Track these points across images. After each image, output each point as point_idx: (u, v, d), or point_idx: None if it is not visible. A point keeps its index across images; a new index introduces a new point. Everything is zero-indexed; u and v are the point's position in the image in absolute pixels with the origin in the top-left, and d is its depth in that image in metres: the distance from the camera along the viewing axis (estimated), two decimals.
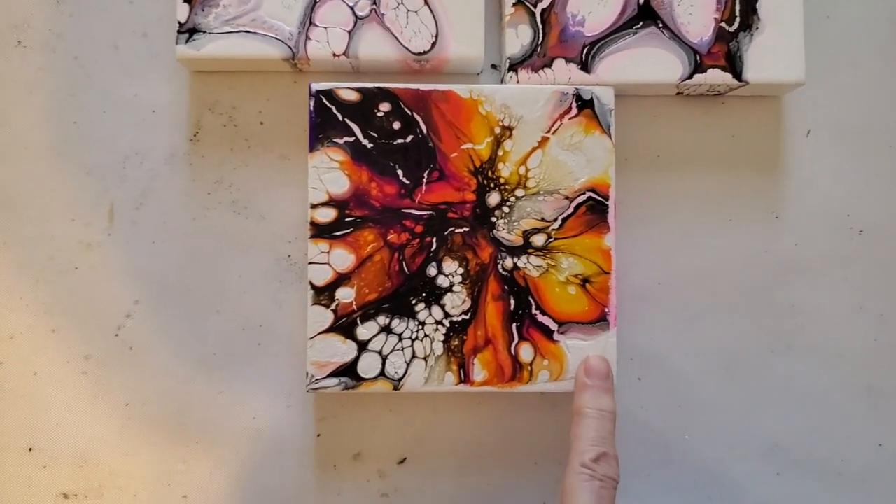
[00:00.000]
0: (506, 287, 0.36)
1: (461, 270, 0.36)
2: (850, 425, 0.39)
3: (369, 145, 0.36)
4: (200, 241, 0.38)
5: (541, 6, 0.37)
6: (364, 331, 0.35)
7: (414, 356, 0.35)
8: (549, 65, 0.37)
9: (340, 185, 0.36)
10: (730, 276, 0.39)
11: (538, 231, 0.36)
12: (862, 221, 0.39)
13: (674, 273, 0.39)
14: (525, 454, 0.38)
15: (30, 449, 0.37)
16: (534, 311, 0.36)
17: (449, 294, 0.36)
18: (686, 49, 0.37)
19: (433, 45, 0.37)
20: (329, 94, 0.36)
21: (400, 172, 0.36)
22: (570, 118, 0.36)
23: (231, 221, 0.38)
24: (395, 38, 0.37)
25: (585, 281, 0.36)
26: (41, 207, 0.38)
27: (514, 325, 0.36)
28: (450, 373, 0.35)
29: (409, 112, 0.36)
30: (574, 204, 0.36)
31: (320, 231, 0.35)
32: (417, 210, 0.36)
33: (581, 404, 0.33)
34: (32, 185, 0.38)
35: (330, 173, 0.36)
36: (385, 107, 0.36)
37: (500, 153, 0.36)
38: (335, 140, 0.36)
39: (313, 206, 0.35)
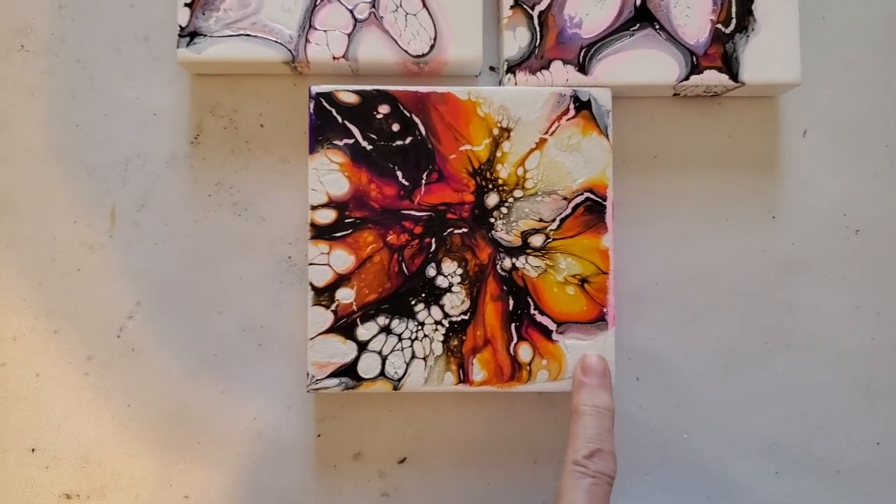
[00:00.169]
0: (504, 287, 0.36)
1: (460, 271, 0.36)
2: (849, 424, 0.39)
3: (369, 147, 0.36)
4: (201, 242, 0.38)
5: (538, 8, 0.37)
6: (364, 331, 0.36)
7: (413, 356, 0.36)
8: (547, 67, 0.37)
9: (340, 186, 0.36)
10: (727, 275, 0.39)
11: (536, 232, 0.36)
12: (859, 221, 0.39)
13: (672, 273, 0.39)
14: (524, 454, 0.38)
15: (32, 450, 0.38)
16: (532, 311, 0.36)
17: (448, 294, 0.36)
18: (683, 50, 0.37)
19: (432, 47, 0.37)
20: (329, 96, 0.36)
21: (399, 174, 0.36)
22: (568, 119, 0.36)
23: (232, 223, 0.39)
24: (394, 40, 0.37)
25: (584, 281, 0.36)
26: (43, 209, 0.38)
27: (512, 326, 0.36)
28: (449, 373, 0.36)
29: (408, 114, 0.36)
30: (572, 204, 0.36)
31: (320, 232, 0.36)
32: (416, 211, 0.36)
33: (578, 402, 0.33)
34: (34, 188, 0.38)
35: (330, 175, 0.36)
36: (384, 109, 0.36)
37: (499, 154, 0.36)
38: (335, 142, 0.36)
39: (313, 208, 0.36)
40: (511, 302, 0.36)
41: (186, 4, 0.36)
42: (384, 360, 0.36)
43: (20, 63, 0.39)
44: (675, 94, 0.39)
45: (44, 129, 0.39)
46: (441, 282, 0.36)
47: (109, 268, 0.38)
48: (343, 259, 0.36)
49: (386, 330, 0.36)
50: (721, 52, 0.37)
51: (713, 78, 0.37)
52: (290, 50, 0.37)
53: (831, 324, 0.39)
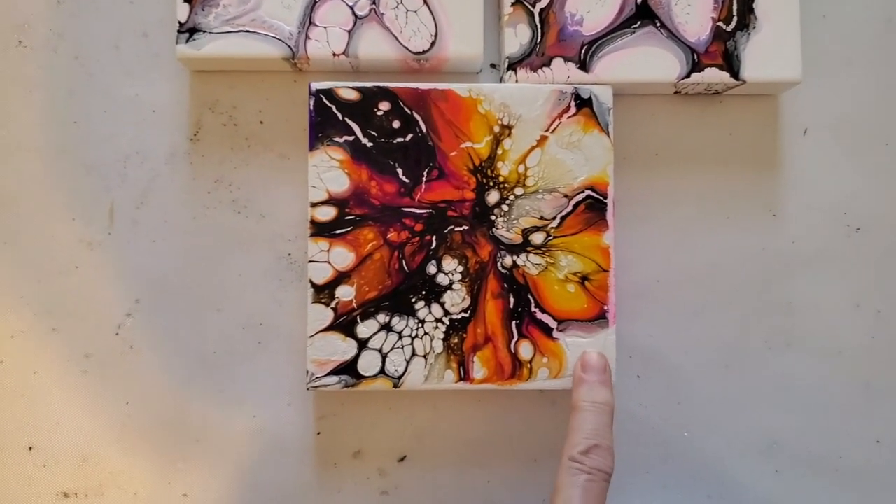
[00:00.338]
0: (505, 285, 0.36)
1: (461, 268, 0.36)
2: (848, 422, 0.39)
3: (369, 144, 0.36)
4: (201, 239, 0.38)
5: (539, 6, 0.37)
6: (364, 329, 0.35)
7: (414, 354, 0.36)
8: (548, 64, 0.37)
9: (340, 183, 0.36)
10: (728, 273, 0.39)
11: (537, 229, 0.36)
12: (859, 219, 0.39)
13: (672, 271, 0.39)
14: (525, 451, 0.38)
15: (30, 448, 0.37)
16: (533, 308, 0.36)
17: (448, 292, 0.36)
18: (684, 48, 0.37)
19: (432, 44, 0.37)
20: (329, 93, 0.36)
21: (399, 171, 0.36)
22: (569, 117, 0.36)
23: (231, 220, 0.38)
24: (395, 37, 0.37)
25: (584, 279, 0.36)
26: (42, 207, 0.38)
27: (513, 323, 0.36)
28: (449, 370, 0.36)
29: (409, 111, 0.36)
30: (573, 202, 0.36)
31: (320, 229, 0.36)
32: (417, 208, 0.36)
33: (577, 398, 0.33)
34: (33, 185, 0.38)
35: (330, 172, 0.36)
36: (384, 106, 0.36)
37: (500, 152, 0.36)
38: (335, 139, 0.36)
39: (313, 205, 0.36)
40: (512, 299, 0.36)
41: (186, 1, 0.36)
42: (384, 357, 0.36)
43: (18, 59, 0.39)
44: (676, 92, 0.39)
45: (42, 125, 0.38)
46: (441, 279, 0.36)
47: (108, 265, 0.38)
48: (343, 256, 0.36)
49: (386, 327, 0.36)
50: (722, 49, 0.37)
51: (714, 76, 0.37)
52: (290, 46, 0.36)
53: (831, 322, 0.39)
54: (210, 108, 0.39)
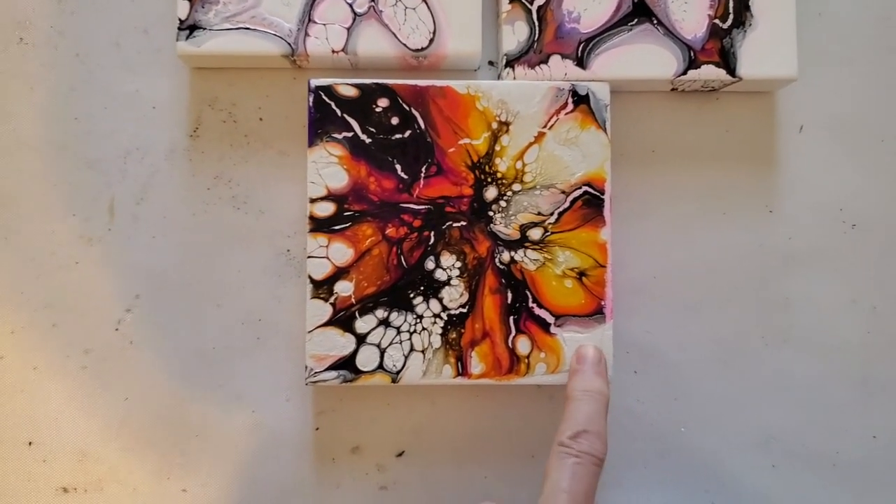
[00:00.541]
0: (503, 280, 0.36)
1: (459, 264, 0.36)
2: (845, 417, 0.39)
3: (368, 140, 0.36)
4: (200, 235, 0.38)
5: (537, 3, 0.37)
6: (362, 324, 0.36)
7: (412, 349, 0.36)
8: (546, 61, 0.37)
9: (339, 179, 0.36)
10: (725, 269, 0.39)
11: (535, 225, 0.36)
12: (855, 215, 0.40)
13: (669, 267, 0.39)
14: (522, 446, 0.38)
15: (30, 443, 0.38)
16: (531, 304, 0.36)
17: (447, 287, 0.36)
18: (680, 45, 0.37)
19: (431, 41, 0.37)
20: (328, 90, 0.36)
21: (398, 167, 0.36)
22: (566, 114, 0.37)
23: (230, 216, 0.39)
24: (394, 34, 0.37)
25: (582, 274, 0.36)
26: (42, 202, 0.38)
27: (511, 318, 0.36)
28: (448, 366, 0.36)
29: (407, 107, 0.36)
30: (570, 198, 0.36)
31: (319, 225, 0.36)
32: (415, 204, 0.36)
33: (570, 389, 0.33)
34: (33, 181, 0.38)
35: (329, 168, 0.36)
36: (383, 102, 0.36)
37: (497, 148, 0.36)
38: (334, 135, 0.36)
39: (312, 201, 0.36)
40: (509, 295, 0.36)
41: None
42: (383, 352, 0.36)
43: (19, 56, 0.39)
44: (672, 89, 0.39)
45: (43, 122, 0.39)
46: (440, 275, 0.36)
47: (108, 261, 0.38)
48: (342, 252, 0.36)
49: (384, 323, 0.36)
50: (718, 47, 0.37)
51: (710, 73, 0.37)
52: (289, 43, 0.37)
53: (828, 318, 0.39)
54: (210, 104, 0.39)
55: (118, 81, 0.39)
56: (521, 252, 0.36)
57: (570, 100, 0.36)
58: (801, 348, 0.39)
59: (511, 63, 0.37)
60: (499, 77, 0.39)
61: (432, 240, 0.36)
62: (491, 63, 0.40)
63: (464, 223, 0.36)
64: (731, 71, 0.37)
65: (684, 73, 0.37)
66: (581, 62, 0.37)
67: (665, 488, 0.38)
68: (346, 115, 0.36)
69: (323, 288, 0.36)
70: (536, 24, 0.37)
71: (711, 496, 0.38)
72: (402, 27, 0.37)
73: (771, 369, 0.39)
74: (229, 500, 0.37)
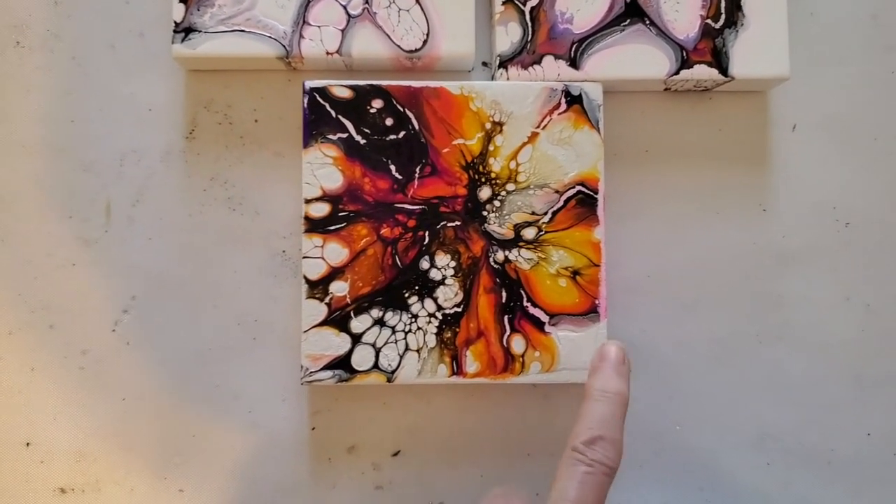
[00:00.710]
0: (497, 280, 0.36)
1: (453, 264, 0.36)
2: (839, 415, 0.39)
3: (362, 141, 0.36)
4: (196, 237, 0.39)
5: (530, 4, 0.38)
6: (358, 324, 0.36)
7: (407, 349, 0.36)
8: (539, 62, 0.37)
9: (334, 180, 0.36)
10: (719, 268, 0.39)
11: (529, 224, 0.37)
12: (848, 214, 0.40)
13: (663, 266, 0.39)
14: (518, 446, 0.38)
15: (27, 444, 0.38)
16: (525, 303, 0.36)
17: (441, 287, 0.36)
18: (673, 45, 0.38)
19: (424, 42, 0.37)
20: (322, 91, 0.36)
21: (392, 168, 0.36)
22: (560, 114, 0.37)
23: (226, 217, 0.39)
24: (388, 36, 0.37)
25: (576, 273, 0.36)
26: (39, 204, 0.39)
27: (505, 318, 0.36)
28: (443, 365, 0.36)
29: (402, 108, 0.36)
30: (564, 198, 0.37)
31: (314, 226, 0.36)
32: (410, 205, 0.36)
33: (589, 386, 0.32)
34: (30, 183, 0.39)
35: (323, 169, 0.36)
36: (377, 103, 0.36)
37: (491, 148, 0.37)
38: (329, 136, 0.36)
39: (307, 201, 0.36)
40: (504, 294, 0.36)
41: (181, 0, 0.37)
42: (378, 352, 0.36)
43: (16, 59, 0.39)
44: (665, 89, 0.40)
45: (39, 124, 0.39)
46: (434, 274, 0.36)
47: (104, 262, 0.38)
48: (337, 252, 0.36)
49: (379, 322, 0.36)
50: (711, 47, 0.38)
51: (703, 72, 0.37)
52: (284, 45, 0.37)
53: (821, 316, 0.39)
54: (205, 106, 0.39)
55: (114, 84, 0.39)
56: (515, 251, 0.36)
57: (564, 100, 0.37)
58: (795, 346, 0.39)
59: (504, 64, 0.38)
60: (492, 78, 0.39)
61: (427, 240, 0.36)
62: (484, 64, 0.40)
63: (458, 223, 0.36)
64: (724, 71, 0.38)
65: (677, 72, 0.38)
66: (574, 63, 0.37)
67: (660, 487, 0.38)
68: (340, 117, 0.36)
69: (318, 288, 0.36)
70: (529, 25, 0.38)
71: (706, 494, 0.39)
72: (396, 29, 0.37)
73: (765, 367, 0.39)
74: (226, 499, 0.38)
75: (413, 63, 0.38)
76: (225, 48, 0.37)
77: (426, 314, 0.36)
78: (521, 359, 0.36)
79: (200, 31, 0.37)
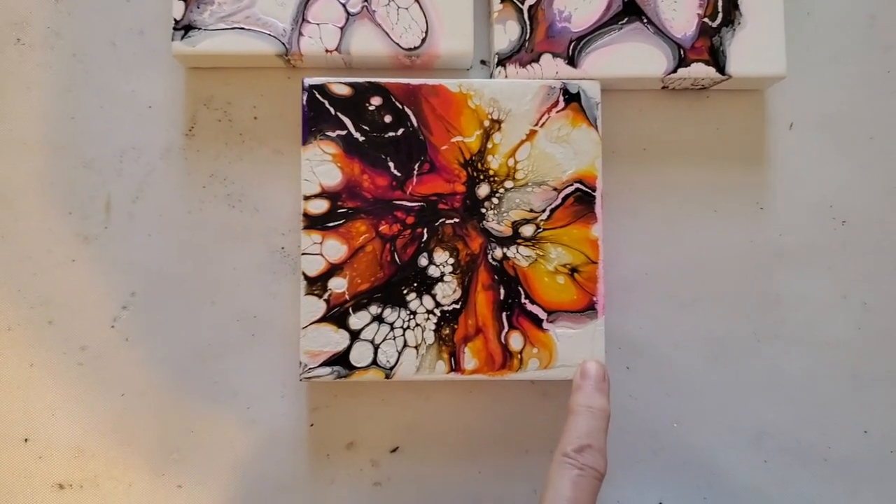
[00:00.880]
0: (496, 277, 0.36)
1: (452, 260, 0.36)
2: (836, 413, 0.39)
3: (361, 138, 0.36)
4: (195, 233, 0.39)
5: (528, 3, 0.38)
6: (356, 320, 0.36)
7: (405, 345, 0.36)
8: (537, 60, 0.38)
9: (333, 177, 0.36)
10: (716, 266, 0.39)
11: (527, 222, 0.37)
12: (845, 212, 0.40)
13: (661, 263, 0.39)
14: (516, 442, 0.38)
15: (25, 440, 0.38)
16: (523, 300, 0.36)
17: (440, 284, 0.36)
18: (670, 44, 0.38)
19: (423, 40, 0.38)
20: (322, 88, 0.36)
21: (391, 165, 0.36)
22: (558, 111, 0.37)
23: (225, 214, 0.39)
24: (387, 34, 0.37)
25: (574, 270, 0.37)
26: (39, 201, 0.39)
27: (503, 314, 0.36)
28: (441, 361, 0.36)
29: (400, 106, 0.37)
30: (562, 195, 0.37)
31: (313, 222, 0.36)
32: (408, 202, 0.36)
33: (573, 403, 0.33)
34: (31, 179, 0.39)
35: (322, 166, 0.36)
36: (376, 101, 0.37)
37: (490, 146, 0.37)
38: (328, 133, 0.36)
39: (306, 198, 0.36)
40: (502, 291, 0.36)
41: None
42: (376, 348, 0.36)
43: (16, 56, 0.39)
44: (663, 87, 0.40)
45: (40, 121, 0.39)
46: (433, 271, 0.36)
47: (104, 259, 0.39)
48: (336, 249, 0.36)
49: (378, 319, 0.36)
50: (708, 45, 0.38)
51: (700, 71, 0.38)
52: (283, 43, 0.37)
53: (818, 314, 0.39)
54: (205, 103, 0.39)
55: (114, 81, 0.39)
56: (513, 248, 0.37)
57: (562, 98, 0.37)
58: (792, 344, 0.39)
59: (503, 62, 0.38)
60: (491, 76, 0.39)
61: (425, 236, 0.36)
62: (483, 62, 0.40)
63: (456, 220, 0.37)
64: (721, 69, 0.38)
65: (674, 71, 0.38)
66: (572, 61, 0.38)
67: (658, 484, 0.39)
68: (339, 114, 0.36)
69: (317, 284, 0.36)
70: (528, 23, 0.38)
71: (703, 491, 0.39)
72: (395, 27, 0.37)
73: (762, 365, 0.39)
74: (224, 495, 0.38)
75: (412, 61, 0.38)
76: (224, 46, 0.37)
77: (424, 311, 0.36)
78: (519, 355, 0.36)
79: (200, 29, 0.37)
